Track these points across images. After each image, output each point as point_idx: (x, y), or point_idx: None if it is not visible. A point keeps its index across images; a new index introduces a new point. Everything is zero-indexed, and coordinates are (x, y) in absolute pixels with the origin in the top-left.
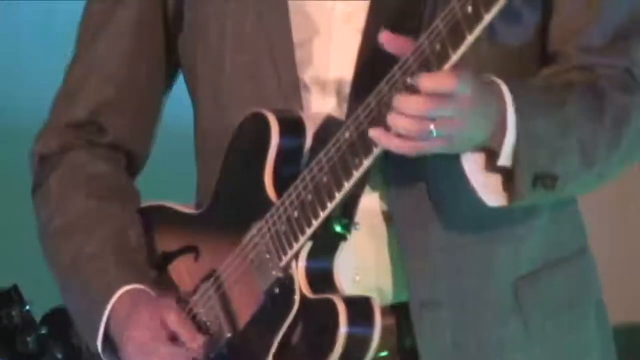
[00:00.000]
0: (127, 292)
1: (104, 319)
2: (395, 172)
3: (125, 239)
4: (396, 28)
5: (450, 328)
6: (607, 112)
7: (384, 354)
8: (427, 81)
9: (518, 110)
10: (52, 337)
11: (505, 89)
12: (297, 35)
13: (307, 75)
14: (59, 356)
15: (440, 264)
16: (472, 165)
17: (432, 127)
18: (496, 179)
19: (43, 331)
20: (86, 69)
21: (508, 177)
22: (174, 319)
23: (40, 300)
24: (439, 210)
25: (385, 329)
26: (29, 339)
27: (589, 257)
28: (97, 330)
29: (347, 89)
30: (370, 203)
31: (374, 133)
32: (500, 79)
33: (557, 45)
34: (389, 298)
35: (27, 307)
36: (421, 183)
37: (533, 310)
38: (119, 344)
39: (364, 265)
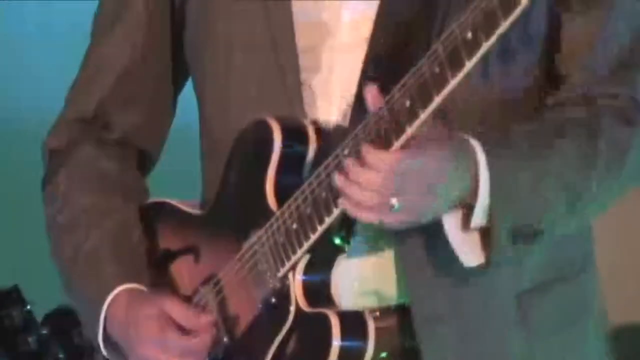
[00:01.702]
0: (123, 291)
1: (102, 318)
2: None
3: (125, 238)
4: (402, 37)
5: (454, 342)
6: (600, 154)
7: (383, 354)
8: (373, 158)
9: (492, 171)
10: (53, 337)
11: (478, 149)
12: (303, 40)
13: (312, 81)
14: (61, 356)
15: (442, 278)
16: (451, 222)
17: (394, 201)
18: (475, 236)
19: (44, 331)
20: (96, 64)
21: (486, 234)
22: (171, 306)
23: (42, 300)
24: (440, 223)
25: (385, 330)
26: (30, 339)
27: (593, 271)
28: (97, 328)
29: (351, 96)
30: None
31: (342, 202)
32: (475, 136)
33: (561, 69)
34: (387, 301)
35: (28, 307)
36: None
37: (537, 324)
38: (122, 346)
39: (363, 274)
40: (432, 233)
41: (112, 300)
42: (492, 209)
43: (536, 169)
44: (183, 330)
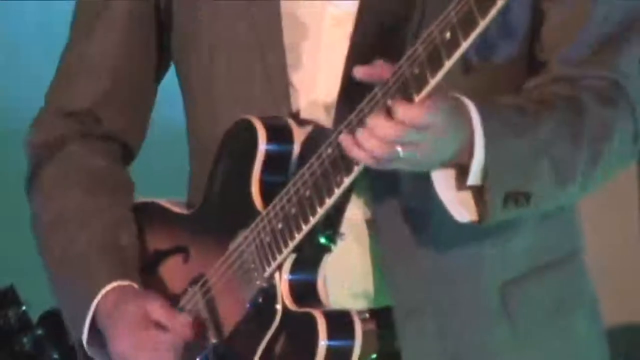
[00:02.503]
0: (113, 289)
1: (89, 317)
2: (379, 181)
3: (114, 236)
4: (384, 33)
5: (437, 335)
6: (585, 130)
7: (373, 356)
8: (402, 111)
9: (486, 132)
10: (48, 338)
11: (473, 110)
12: (287, 38)
13: (296, 79)
14: (56, 357)
15: (426, 272)
16: (442, 181)
17: (399, 149)
18: (467, 195)
19: (39, 332)
20: (80, 60)
21: (479, 194)
22: (156, 307)
23: (37, 301)
24: (424, 217)
25: (374, 332)
26: (25, 339)
27: (580, 261)
28: (82, 326)
29: (335, 94)
30: (355, 212)
31: (344, 139)
32: (470, 100)
33: (542, 56)
34: (376, 302)
35: (24, 308)
36: (405, 190)
37: (521, 314)
38: (107, 339)
39: (350, 272)
40: (417, 226)
41: (102, 297)
42: (487, 167)
43: (525, 136)
44: (163, 329)
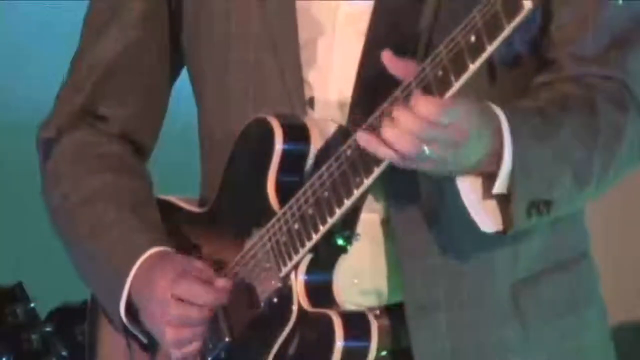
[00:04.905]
0: (153, 254)
1: (129, 281)
2: (395, 180)
3: (144, 210)
4: (399, 32)
5: (448, 332)
6: (601, 131)
7: (383, 353)
8: (421, 105)
9: (514, 139)
10: (57, 335)
11: (502, 117)
12: (302, 36)
13: (310, 76)
14: (64, 354)
15: (438, 269)
16: (468, 189)
17: (425, 148)
18: (492, 205)
19: (48, 329)
20: (93, 61)
21: (503, 203)
22: (198, 265)
23: (45, 298)
24: (438, 216)
25: (384, 329)
26: (33, 336)
27: (590, 262)
28: (120, 295)
29: (349, 92)
30: (371, 212)
31: (365, 138)
32: (498, 107)
33: (551, 53)
34: (387, 299)
35: (32, 305)
36: (420, 190)
37: (532, 313)
38: (142, 301)
39: (361, 270)
40: (430, 226)
41: (142, 262)
42: (514, 176)
43: (549, 142)
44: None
